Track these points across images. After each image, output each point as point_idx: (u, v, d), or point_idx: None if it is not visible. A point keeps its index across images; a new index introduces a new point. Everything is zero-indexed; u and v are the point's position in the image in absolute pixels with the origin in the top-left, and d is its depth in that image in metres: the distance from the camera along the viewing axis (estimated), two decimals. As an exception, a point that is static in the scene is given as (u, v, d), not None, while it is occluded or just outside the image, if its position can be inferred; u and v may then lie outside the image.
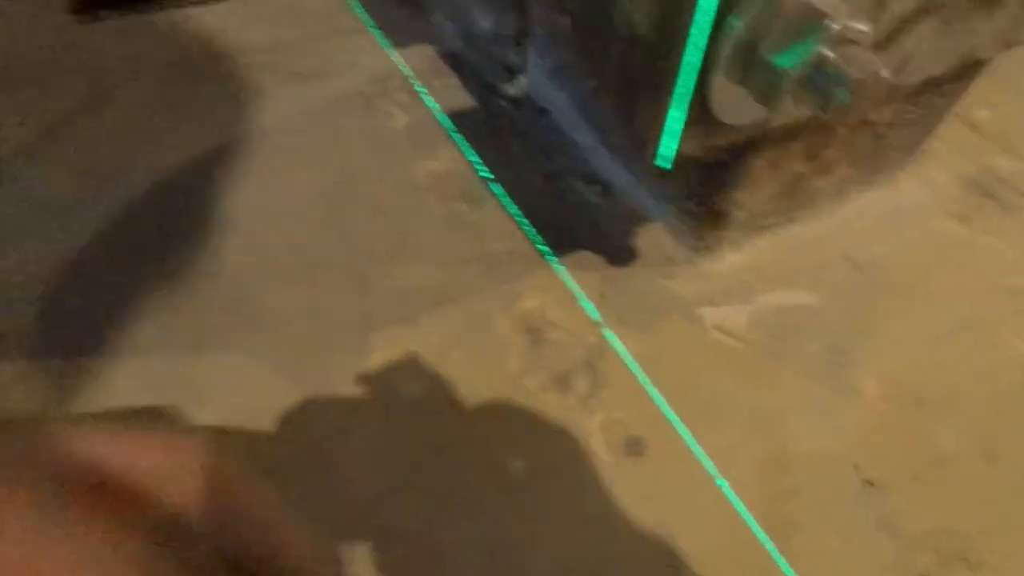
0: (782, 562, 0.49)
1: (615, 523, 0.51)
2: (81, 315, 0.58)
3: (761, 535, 0.50)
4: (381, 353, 0.58)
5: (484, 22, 0.80)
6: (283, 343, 0.58)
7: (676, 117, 0.44)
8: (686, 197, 0.66)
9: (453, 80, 0.81)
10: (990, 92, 0.81)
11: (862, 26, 0.40)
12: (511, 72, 0.80)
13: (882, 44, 0.48)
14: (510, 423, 0.55)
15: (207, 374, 0.56)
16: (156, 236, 0.64)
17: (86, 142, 0.71)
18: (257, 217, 0.66)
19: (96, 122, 0.73)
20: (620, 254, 0.67)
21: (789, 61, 0.40)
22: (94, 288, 0.60)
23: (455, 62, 0.83)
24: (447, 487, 0.51)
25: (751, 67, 0.40)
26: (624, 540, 0.50)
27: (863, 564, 0.50)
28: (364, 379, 0.56)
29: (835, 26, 0.39)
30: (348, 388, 0.56)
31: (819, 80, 0.40)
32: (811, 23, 0.39)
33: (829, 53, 0.40)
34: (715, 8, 0.37)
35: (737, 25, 0.38)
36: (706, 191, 0.64)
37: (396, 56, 0.83)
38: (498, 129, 0.76)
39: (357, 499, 0.51)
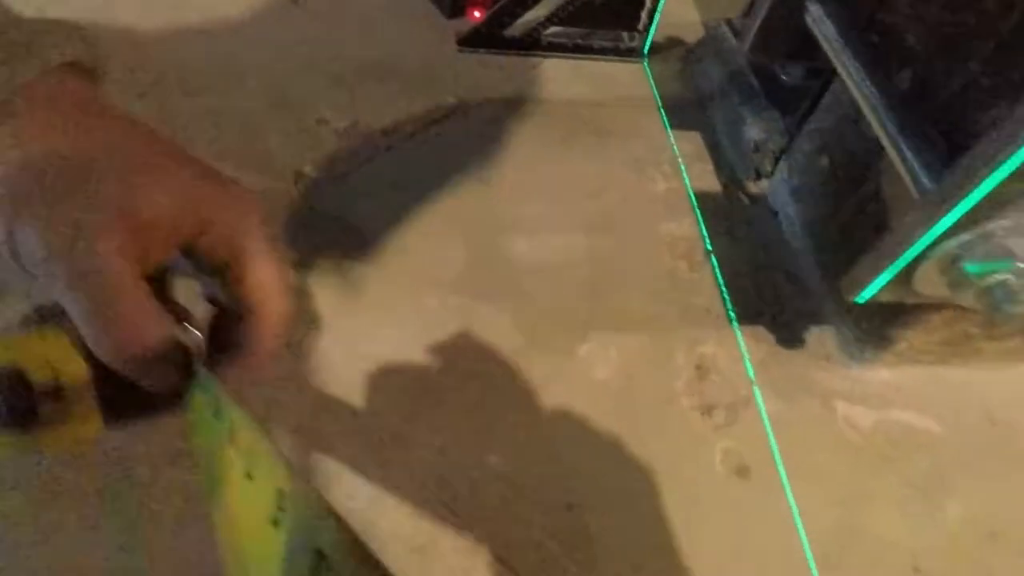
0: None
1: (702, 512, 0.71)
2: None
3: (813, 568, 0.68)
4: (587, 347, 0.82)
5: (752, 132, 1.01)
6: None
7: (884, 277, 0.61)
8: (863, 319, 0.82)
9: (709, 167, 1.03)
10: None
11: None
12: (758, 175, 1.00)
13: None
14: (661, 424, 0.77)
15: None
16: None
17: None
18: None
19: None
20: (791, 339, 0.85)
21: (977, 269, 0.57)
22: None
23: (716, 152, 1.05)
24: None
25: (949, 268, 0.58)
26: (703, 535, 0.70)
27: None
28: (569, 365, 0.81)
29: (1020, 264, 0.56)
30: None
31: (998, 294, 0.57)
32: (1005, 257, 0.56)
33: (1011, 278, 0.56)
34: (939, 232, 0.56)
35: (951, 244, 0.57)
36: (882, 321, 0.80)
37: (672, 134, 1.07)
38: (732, 215, 0.97)
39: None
